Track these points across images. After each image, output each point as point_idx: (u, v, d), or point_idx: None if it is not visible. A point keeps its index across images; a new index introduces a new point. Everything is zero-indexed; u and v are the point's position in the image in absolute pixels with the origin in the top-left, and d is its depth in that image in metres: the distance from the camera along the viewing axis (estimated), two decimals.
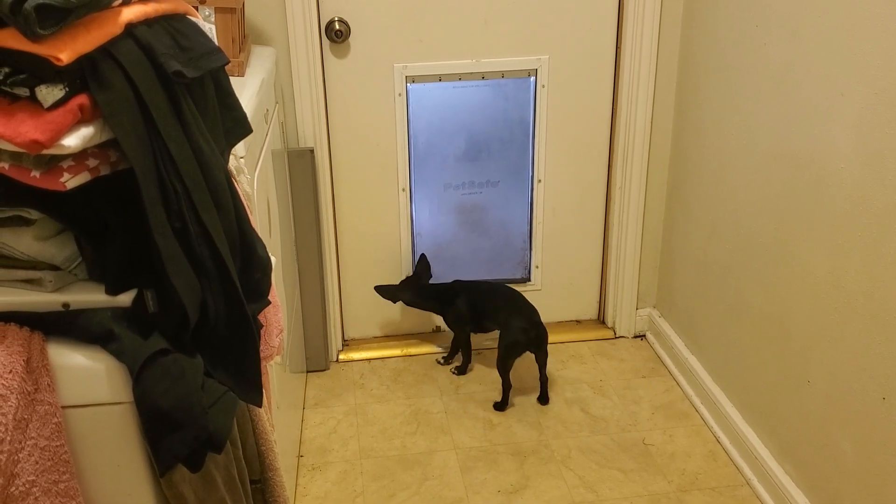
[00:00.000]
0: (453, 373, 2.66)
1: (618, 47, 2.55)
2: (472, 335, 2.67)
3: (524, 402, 2.52)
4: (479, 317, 2.58)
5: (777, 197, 2.02)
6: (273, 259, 1.88)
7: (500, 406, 2.50)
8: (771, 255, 2.07)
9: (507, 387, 2.49)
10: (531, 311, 2.50)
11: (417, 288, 2.63)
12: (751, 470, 2.19)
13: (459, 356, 2.71)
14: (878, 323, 1.68)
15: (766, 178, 2.06)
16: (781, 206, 2.00)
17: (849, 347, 1.78)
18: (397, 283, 2.65)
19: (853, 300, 1.75)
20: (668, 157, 2.65)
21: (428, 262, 2.63)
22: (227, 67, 1.98)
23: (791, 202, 1.96)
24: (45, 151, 0.88)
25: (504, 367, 2.48)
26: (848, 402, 1.80)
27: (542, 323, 2.48)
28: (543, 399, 2.54)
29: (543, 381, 2.54)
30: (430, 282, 2.65)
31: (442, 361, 2.72)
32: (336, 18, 2.40)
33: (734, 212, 2.24)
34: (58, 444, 0.96)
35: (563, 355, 2.77)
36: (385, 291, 2.63)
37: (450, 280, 2.68)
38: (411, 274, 2.68)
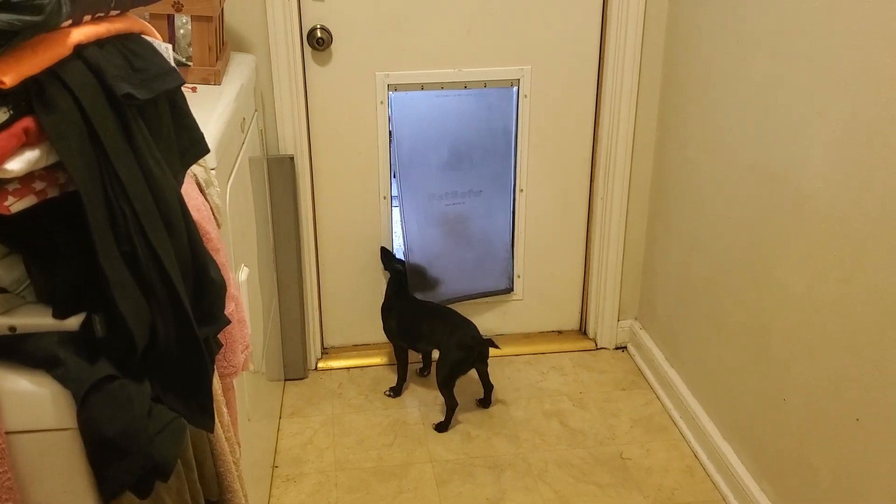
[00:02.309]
0: (388, 395, 2.60)
1: (601, 59, 2.53)
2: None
3: (502, 414, 2.51)
4: (412, 337, 2.54)
5: (755, 212, 2.01)
6: (246, 270, 1.87)
7: (443, 427, 2.44)
8: (750, 270, 2.05)
9: (453, 406, 2.43)
10: (471, 327, 2.45)
11: (398, 273, 2.60)
12: (727, 486, 2.18)
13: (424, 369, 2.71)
14: (854, 344, 1.67)
15: (745, 193, 2.05)
16: (760, 221, 1.99)
17: (825, 367, 1.77)
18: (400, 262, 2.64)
19: (829, 319, 1.74)
20: (650, 168, 2.64)
21: (413, 270, 2.63)
22: (203, 76, 1.98)
23: (769, 218, 1.95)
24: None
25: (447, 387, 2.42)
26: (823, 422, 1.79)
27: (483, 338, 2.44)
28: (486, 403, 2.53)
29: (489, 389, 2.52)
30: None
31: (418, 372, 2.70)
32: (318, 26, 2.39)
33: (714, 225, 2.23)
34: (0, 470, 0.94)
35: (544, 366, 2.76)
36: (385, 255, 2.63)
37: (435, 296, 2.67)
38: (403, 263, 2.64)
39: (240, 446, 1.51)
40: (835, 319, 1.73)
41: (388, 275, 2.65)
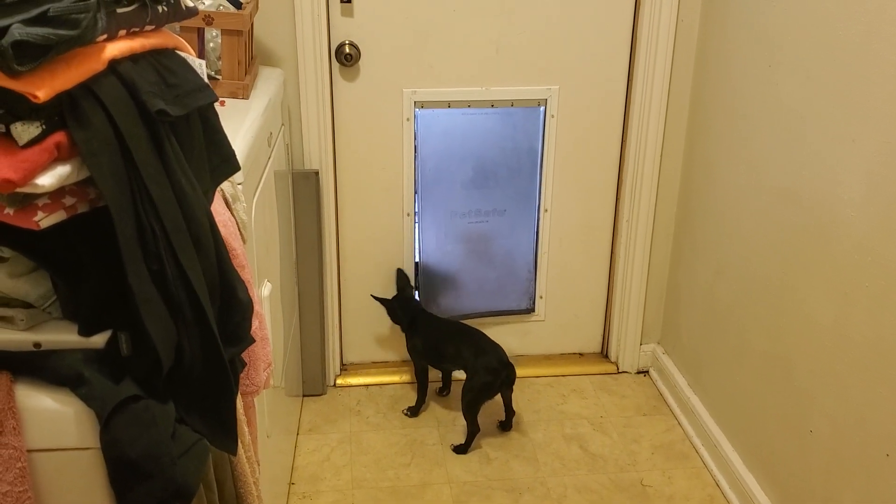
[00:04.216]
0: (406, 414, 2.57)
1: (629, 81, 2.51)
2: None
3: (522, 437, 2.48)
4: (438, 357, 2.51)
5: (784, 240, 1.98)
6: (268, 285, 1.86)
7: (463, 450, 2.41)
8: (776, 298, 2.02)
9: (474, 431, 2.40)
10: (498, 351, 2.42)
11: (403, 301, 2.58)
12: None
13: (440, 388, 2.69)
14: (884, 376, 1.64)
15: (774, 220, 2.02)
16: (788, 249, 1.96)
17: (853, 399, 1.73)
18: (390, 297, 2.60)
19: (858, 351, 1.71)
20: (676, 191, 2.61)
21: (407, 277, 2.61)
22: (231, 90, 1.98)
23: (798, 246, 1.92)
24: (18, 190, 0.86)
25: (472, 412, 2.39)
26: (850, 456, 1.75)
27: (510, 362, 2.40)
28: (507, 426, 2.50)
29: (510, 414, 2.50)
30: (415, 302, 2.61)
31: (438, 392, 2.67)
32: (346, 42, 2.38)
33: (741, 251, 2.20)
34: (21, 489, 0.93)
35: (565, 389, 2.73)
36: (382, 302, 2.59)
37: (450, 311, 2.64)
38: (397, 293, 2.62)
39: (259, 465, 1.50)
40: (864, 350, 1.69)
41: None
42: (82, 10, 0.86)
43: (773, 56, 2.02)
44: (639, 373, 2.83)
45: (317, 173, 2.45)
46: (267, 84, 2.15)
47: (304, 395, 2.66)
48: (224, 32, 1.93)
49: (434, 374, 2.64)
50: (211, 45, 1.99)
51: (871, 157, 1.66)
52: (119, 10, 0.93)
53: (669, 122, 2.52)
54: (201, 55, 1.99)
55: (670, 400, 2.65)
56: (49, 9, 0.83)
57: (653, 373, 2.81)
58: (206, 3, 1.94)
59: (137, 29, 0.98)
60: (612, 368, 2.84)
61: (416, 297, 2.64)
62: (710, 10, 2.35)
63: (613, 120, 2.57)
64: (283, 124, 2.31)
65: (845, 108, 1.74)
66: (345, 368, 2.80)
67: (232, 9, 1.95)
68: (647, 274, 2.71)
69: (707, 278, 2.42)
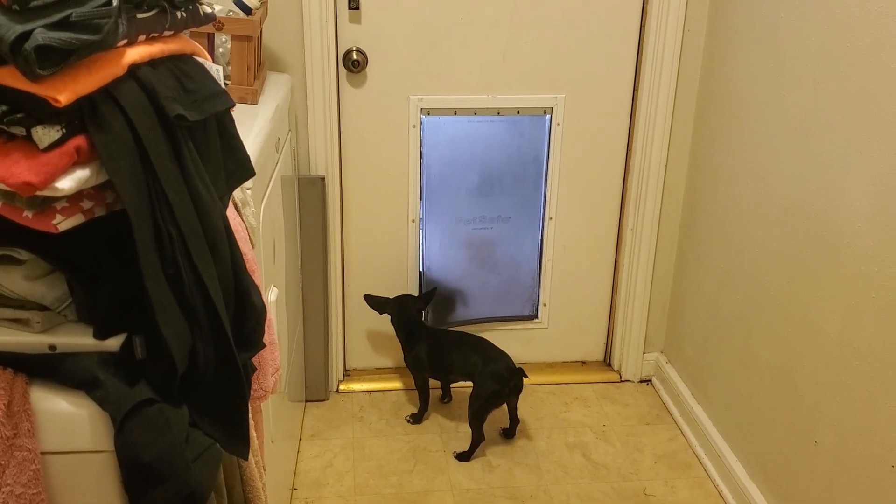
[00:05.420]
0: (408, 421, 2.57)
1: (635, 90, 2.52)
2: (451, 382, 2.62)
3: (525, 445, 2.48)
4: (443, 367, 2.49)
5: (790, 250, 1.99)
6: (275, 290, 1.86)
7: (465, 457, 2.40)
8: (782, 308, 2.03)
9: (479, 440, 2.40)
10: (506, 358, 2.42)
11: (403, 310, 2.55)
12: None
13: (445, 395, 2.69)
14: (890, 388, 1.64)
15: (780, 231, 2.03)
16: (795, 259, 1.97)
17: (859, 410, 1.74)
18: (392, 296, 2.58)
19: (865, 362, 1.71)
20: (681, 201, 2.62)
21: (432, 297, 2.59)
22: (240, 95, 1.98)
23: (805, 257, 1.92)
24: (37, 193, 0.86)
25: (479, 420, 2.38)
26: (855, 467, 1.75)
27: (518, 369, 2.40)
28: (510, 434, 2.50)
29: (515, 422, 2.50)
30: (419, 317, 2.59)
31: (440, 399, 2.67)
32: (354, 48, 2.39)
33: (746, 261, 2.20)
34: (34, 491, 0.93)
35: (567, 397, 2.73)
36: (375, 302, 2.56)
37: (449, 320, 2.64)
38: (411, 294, 2.61)
39: (265, 470, 1.50)
40: (871, 361, 1.70)
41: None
42: (104, 16, 0.86)
43: (780, 66, 2.02)
44: (641, 382, 2.83)
45: (323, 179, 2.45)
46: (275, 89, 2.16)
47: (306, 401, 2.66)
48: (234, 38, 1.94)
49: (434, 383, 2.64)
50: (220, 50, 1.99)
51: (878, 168, 1.66)
52: (139, 16, 0.94)
53: (675, 132, 2.53)
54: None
55: (673, 409, 2.65)
56: (72, 13, 0.84)
57: (655, 382, 2.81)
58: (217, 8, 1.94)
59: (157, 34, 0.99)
60: (615, 377, 2.84)
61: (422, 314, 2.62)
62: (718, 19, 2.36)
63: (619, 129, 2.58)
64: (290, 130, 2.31)
65: (853, 118, 1.74)
66: (348, 374, 2.80)
67: (242, 14, 1.96)
68: (650, 283, 2.72)
69: (711, 288, 2.42)
